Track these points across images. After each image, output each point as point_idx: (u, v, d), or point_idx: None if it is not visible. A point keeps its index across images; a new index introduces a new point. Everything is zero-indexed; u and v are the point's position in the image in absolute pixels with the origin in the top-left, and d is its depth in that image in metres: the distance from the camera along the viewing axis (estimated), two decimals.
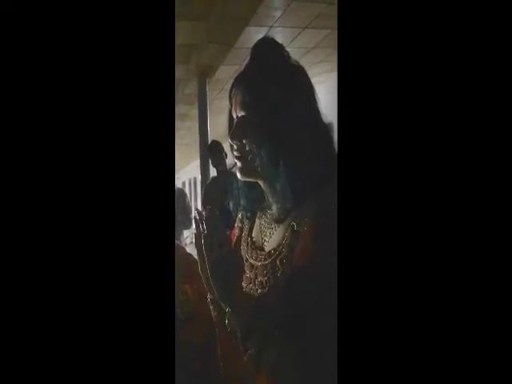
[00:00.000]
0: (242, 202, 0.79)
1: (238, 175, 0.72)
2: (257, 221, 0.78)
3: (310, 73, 0.71)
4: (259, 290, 0.68)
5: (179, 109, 6.04)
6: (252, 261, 0.72)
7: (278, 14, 3.52)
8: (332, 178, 0.59)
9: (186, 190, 9.01)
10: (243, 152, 0.69)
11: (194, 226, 0.69)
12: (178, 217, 2.55)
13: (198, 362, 1.00)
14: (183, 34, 3.73)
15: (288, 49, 0.73)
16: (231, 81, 0.72)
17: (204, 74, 4.93)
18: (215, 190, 3.19)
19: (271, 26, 3.76)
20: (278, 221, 0.71)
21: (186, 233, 3.29)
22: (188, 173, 13.77)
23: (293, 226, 0.67)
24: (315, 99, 0.70)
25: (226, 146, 0.74)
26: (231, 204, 0.82)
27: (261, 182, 0.72)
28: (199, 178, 5.55)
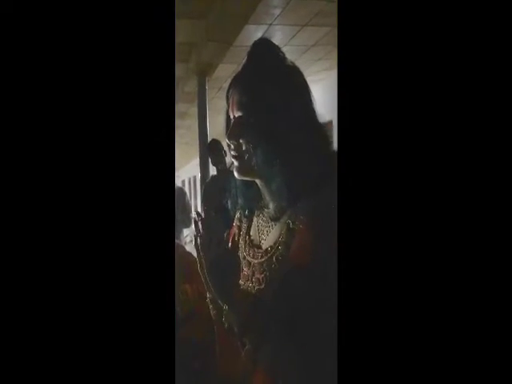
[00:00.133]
0: (240, 200, 0.80)
1: (235, 174, 0.73)
2: (254, 219, 0.79)
3: (309, 71, 0.72)
4: (256, 287, 0.69)
5: (179, 107, 6.04)
6: (249, 258, 0.73)
7: (277, 11, 3.51)
8: (331, 176, 0.60)
9: (186, 189, 8.99)
10: (240, 151, 0.70)
11: (193, 225, 0.69)
12: (178, 216, 2.56)
13: (198, 360, 1.01)
14: (183, 32, 3.72)
15: (287, 47, 0.73)
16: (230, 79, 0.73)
17: (204, 72, 4.92)
18: (215, 189, 3.19)
19: (270, 24, 3.75)
20: (275, 219, 0.72)
21: (185, 231, 3.29)
22: (188, 171, 13.78)
23: (288, 223, 0.68)
24: (311, 99, 0.71)
25: (226, 145, 0.75)
26: (229, 203, 0.82)
27: (257, 181, 0.73)
28: (199, 176, 5.54)
